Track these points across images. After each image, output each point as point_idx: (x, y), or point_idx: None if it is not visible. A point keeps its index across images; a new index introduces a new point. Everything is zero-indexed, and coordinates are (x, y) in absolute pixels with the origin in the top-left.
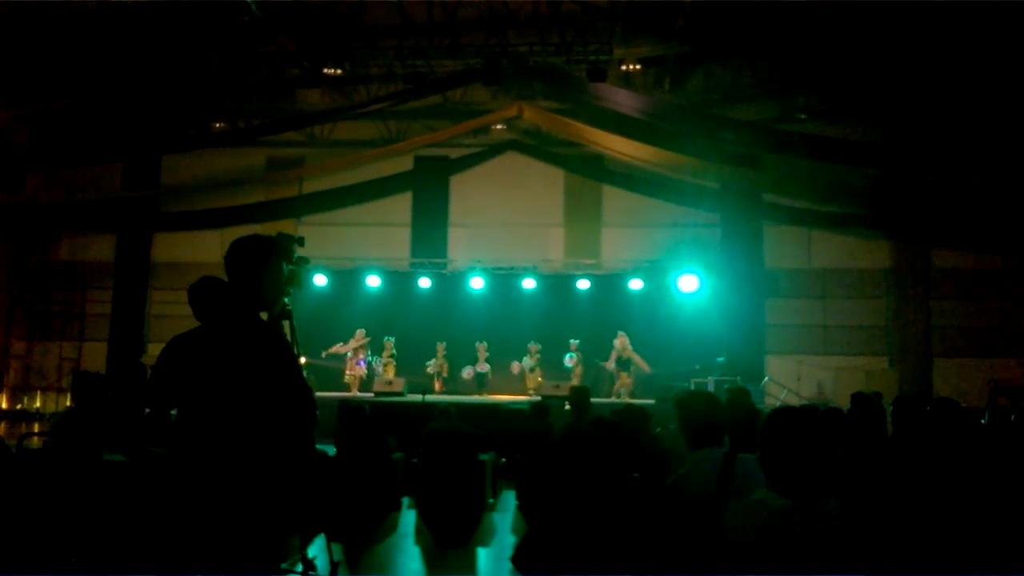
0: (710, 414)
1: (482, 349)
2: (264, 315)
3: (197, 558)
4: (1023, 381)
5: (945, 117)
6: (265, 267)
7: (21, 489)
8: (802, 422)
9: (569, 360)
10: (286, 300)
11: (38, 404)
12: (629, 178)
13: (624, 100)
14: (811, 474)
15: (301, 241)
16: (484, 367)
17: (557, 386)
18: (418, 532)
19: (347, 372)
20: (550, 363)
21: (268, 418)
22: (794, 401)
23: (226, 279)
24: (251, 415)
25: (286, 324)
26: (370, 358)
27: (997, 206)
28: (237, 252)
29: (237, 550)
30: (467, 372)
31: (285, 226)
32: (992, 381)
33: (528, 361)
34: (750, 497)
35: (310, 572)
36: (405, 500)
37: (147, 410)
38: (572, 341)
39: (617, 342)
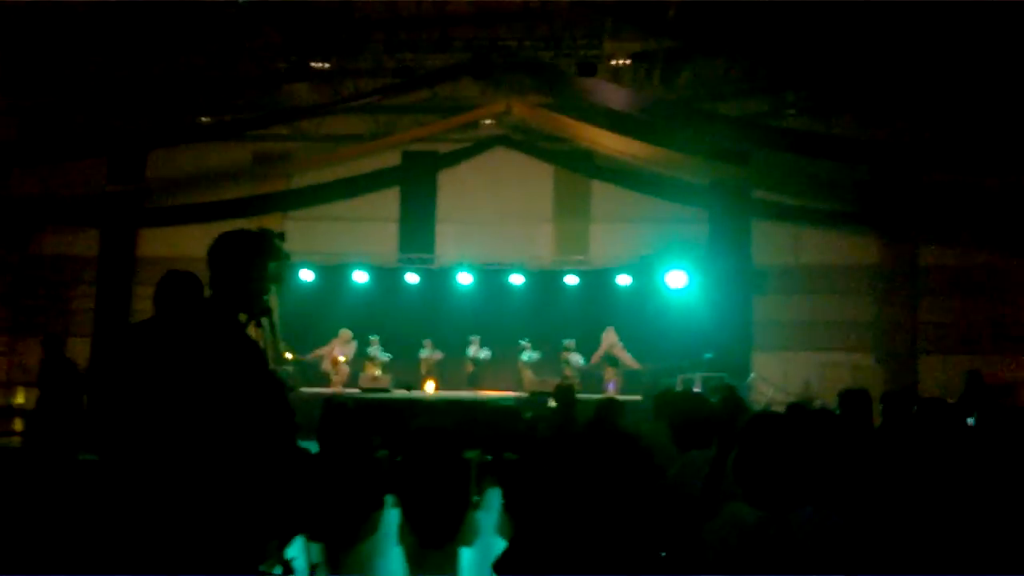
0: (696, 416)
1: (476, 343)
2: (243, 316)
3: (172, 560)
4: (1009, 378)
5: (936, 112)
6: (252, 264)
7: None
8: (780, 429)
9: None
10: (266, 298)
11: (21, 400)
12: (618, 174)
13: (613, 95)
14: (785, 484)
15: (282, 236)
16: (484, 352)
17: (544, 382)
18: (401, 531)
19: (329, 367)
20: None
21: (242, 418)
22: (780, 397)
23: (207, 275)
24: (224, 415)
25: (266, 321)
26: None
27: (986, 202)
28: (224, 247)
29: (214, 551)
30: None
31: (272, 220)
32: None
33: (528, 355)
34: (724, 510)
35: (288, 574)
36: (388, 498)
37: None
38: (566, 341)
39: (604, 336)
